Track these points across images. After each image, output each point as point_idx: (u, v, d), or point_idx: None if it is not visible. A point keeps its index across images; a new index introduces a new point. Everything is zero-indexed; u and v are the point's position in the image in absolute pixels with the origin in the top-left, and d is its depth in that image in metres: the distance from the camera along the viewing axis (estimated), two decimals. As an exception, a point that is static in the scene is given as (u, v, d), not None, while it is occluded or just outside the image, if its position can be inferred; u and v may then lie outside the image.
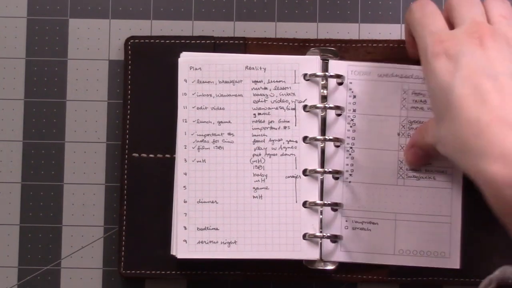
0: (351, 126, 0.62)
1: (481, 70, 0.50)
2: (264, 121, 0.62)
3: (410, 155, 0.61)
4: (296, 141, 0.61)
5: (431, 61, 0.52)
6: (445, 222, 0.61)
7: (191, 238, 0.61)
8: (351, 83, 0.62)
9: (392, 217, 0.61)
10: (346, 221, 0.61)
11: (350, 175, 0.62)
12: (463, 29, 0.52)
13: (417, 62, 0.61)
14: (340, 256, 0.61)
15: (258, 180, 0.61)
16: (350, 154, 0.62)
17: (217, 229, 0.61)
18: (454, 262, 0.61)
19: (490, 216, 0.62)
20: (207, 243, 0.61)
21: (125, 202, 0.63)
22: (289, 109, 0.62)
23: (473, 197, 0.61)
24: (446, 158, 0.54)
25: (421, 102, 0.62)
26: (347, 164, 0.62)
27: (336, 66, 0.62)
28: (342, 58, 0.63)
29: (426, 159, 0.60)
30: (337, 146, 0.62)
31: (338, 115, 0.62)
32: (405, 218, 0.61)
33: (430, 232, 0.61)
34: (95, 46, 0.65)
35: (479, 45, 0.51)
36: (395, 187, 0.61)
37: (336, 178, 0.62)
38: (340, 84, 0.62)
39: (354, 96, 0.62)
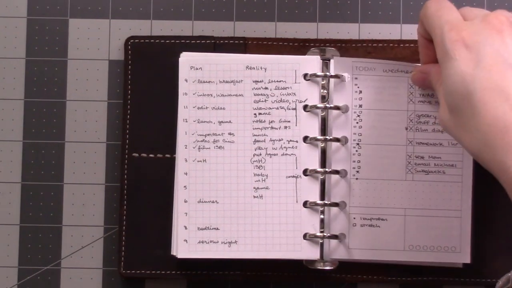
0: (357, 122, 0.62)
1: (503, 60, 0.49)
2: (264, 121, 0.62)
3: (417, 79, 0.60)
4: (297, 141, 0.61)
5: (450, 48, 0.51)
6: (455, 217, 0.61)
7: (192, 238, 0.61)
8: (356, 78, 0.62)
9: (401, 213, 0.61)
10: (354, 218, 0.61)
11: (357, 171, 0.61)
12: (480, 19, 0.52)
13: (416, 57, 0.61)
14: (349, 254, 0.61)
15: (259, 180, 0.61)
16: (357, 151, 0.61)
17: (217, 229, 0.61)
18: (464, 256, 0.61)
19: (492, 216, 0.62)
20: (208, 243, 0.61)
21: (125, 202, 0.63)
22: (289, 109, 0.62)
23: (483, 192, 0.61)
24: None
25: (429, 96, 0.61)
26: (354, 161, 0.61)
27: (341, 62, 0.62)
28: (342, 58, 0.63)
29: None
30: (343, 145, 0.62)
31: (343, 112, 0.62)
32: (415, 213, 0.61)
33: (440, 227, 0.61)
34: (95, 46, 0.65)
35: (498, 33, 0.50)
36: (404, 182, 0.61)
37: (342, 176, 0.61)
38: (343, 81, 0.62)
39: (360, 92, 0.62)
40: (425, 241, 0.61)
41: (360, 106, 0.61)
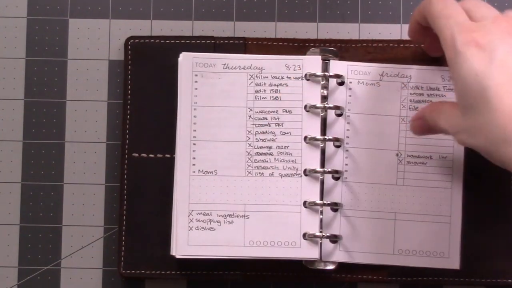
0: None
1: None
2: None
3: (415, 127, 0.59)
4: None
5: (463, 49, 0.51)
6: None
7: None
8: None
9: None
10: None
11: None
12: (490, 21, 0.52)
13: (417, 57, 0.62)
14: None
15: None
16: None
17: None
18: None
19: (490, 216, 0.62)
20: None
21: (125, 202, 0.63)
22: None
23: (474, 197, 0.62)
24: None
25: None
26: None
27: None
28: (342, 58, 0.63)
29: (431, 133, 0.58)
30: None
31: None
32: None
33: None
34: (95, 46, 0.65)
35: (509, 35, 0.51)
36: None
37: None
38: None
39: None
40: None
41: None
